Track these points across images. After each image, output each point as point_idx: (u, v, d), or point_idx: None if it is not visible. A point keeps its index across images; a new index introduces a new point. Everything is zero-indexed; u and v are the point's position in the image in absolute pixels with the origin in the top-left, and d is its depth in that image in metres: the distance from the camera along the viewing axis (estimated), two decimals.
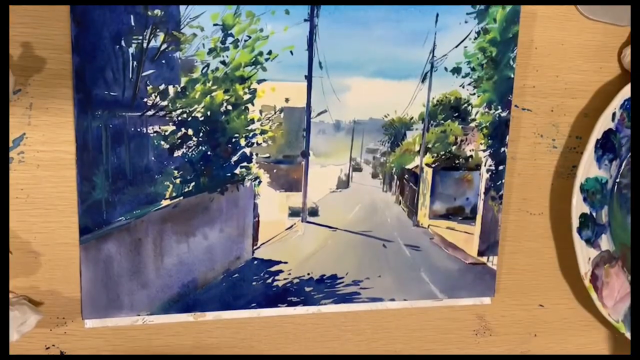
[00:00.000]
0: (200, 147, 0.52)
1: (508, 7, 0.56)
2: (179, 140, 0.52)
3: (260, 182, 0.55)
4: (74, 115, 0.49)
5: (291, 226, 0.56)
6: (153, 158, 0.51)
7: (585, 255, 0.60)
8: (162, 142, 0.51)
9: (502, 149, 0.60)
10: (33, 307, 0.49)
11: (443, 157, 0.59)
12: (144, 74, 0.50)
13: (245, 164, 0.54)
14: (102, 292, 0.52)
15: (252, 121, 0.53)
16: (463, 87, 0.57)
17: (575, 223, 0.59)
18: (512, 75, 0.58)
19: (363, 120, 0.56)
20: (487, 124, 0.59)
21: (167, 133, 0.51)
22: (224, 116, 0.52)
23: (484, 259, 0.61)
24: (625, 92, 0.59)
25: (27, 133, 0.49)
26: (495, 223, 0.61)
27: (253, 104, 0.53)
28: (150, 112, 0.51)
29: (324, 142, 0.55)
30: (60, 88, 0.49)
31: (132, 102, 0.50)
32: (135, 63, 0.49)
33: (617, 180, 0.62)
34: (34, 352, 0.52)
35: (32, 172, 0.50)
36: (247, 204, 0.55)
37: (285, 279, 0.57)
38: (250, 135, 0.53)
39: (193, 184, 0.53)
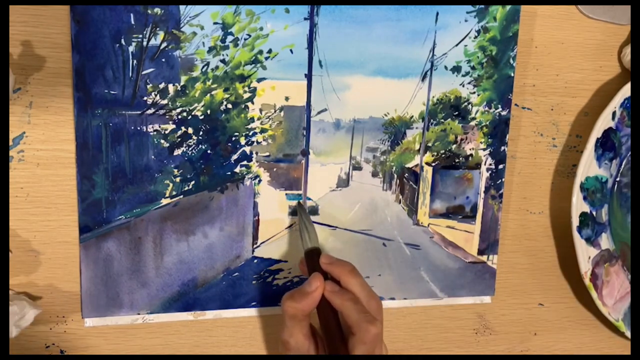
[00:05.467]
0: (200, 146, 0.52)
1: (508, 6, 0.56)
2: (179, 139, 0.52)
3: (260, 180, 0.55)
4: (73, 113, 0.49)
5: (291, 225, 0.56)
6: (153, 157, 0.51)
7: (585, 254, 0.60)
8: (162, 141, 0.51)
9: (502, 148, 0.60)
10: (31, 302, 0.49)
11: (443, 155, 0.59)
12: (143, 72, 0.50)
13: (245, 162, 0.54)
14: (102, 291, 0.52)
15: (252, 120, 0.53)
16: (463, 86, 0.57)
17: (575, 222, 0.59)
18: (512, 74, 0.58)
19: (363, 118, 0.56)
20: (487, 123, 0.59)
21: (167, 132, 0.51)
22: (223, 115, 0.52)
23: (484, 258, 0.61)
24: (625, 91, 0.59)
25: (27, 132, 0.49)
26: (495, 222, 0.61)
27: (253, 103, 0.53)
28: (150, 111, 0.51)
29: (324, 140, 0.55)
30: (60, 87, 0.49)
31: (132, 101, 0.50)
32: (135, 62, 0.49)
33: (617, 179, 0.62)
34: (33, 351, 0.52)
35: (32, 170, 0.50)
36: (247, 203, 0.55)
37: (285, 277, 0.57)
38: (250, 133, 0.53)
39: (193, 182, 0.53)
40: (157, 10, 0.49)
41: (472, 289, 0.61)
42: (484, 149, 0.59)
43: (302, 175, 0.56)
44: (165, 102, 0.51)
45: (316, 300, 0.48)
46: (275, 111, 0.54)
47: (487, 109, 0.59)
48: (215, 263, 0.55)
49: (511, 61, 0.58)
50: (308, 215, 0.54)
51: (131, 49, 0.49)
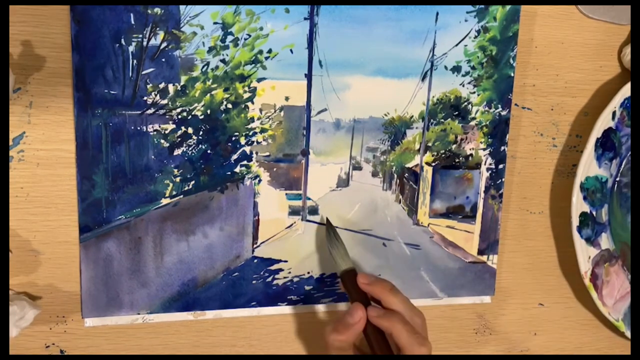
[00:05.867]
0: (200, 146, 0.52)
1: (508, 6, 0.56)
2: (179, 139, 0.52)
3: (260, 180, 0.55)
4: (73, 113, 0.49)
5: (291, 225, 0.56)
6: (153, 156, 0.51)
7: (585, 254, 0.60)
8: (162, 141, 0.51)
9: (502, 148, 0.60)
10: (31, 302, 0.49)
11: (443, 155, 0.59)
12: (143, 72, 0.50)
13: (245, 162, 0.54)
14: (102, 291, 0.52)
15: (252, 120, 0.53)
16: (463, 86, 0.57)
17: (575, 222, 0.59)
18: (512, 74, 0.58)
19: (363, 118, 0.56)
20: (487, 123, 0.59)
21: (167, 131, 0.51)
22: (223, 115, 0.52)
23: (484, 258, 0.61)
24: (625, 90, 0.59)
25: (27, 131, 0.49)
26: (495, 222, 0.61)
27: (253, 103, 0.53)
28: (150, 111, 0.51)
29: (324, 140, 0.55)
30: (60, 86, 0.49)
31: (132, 101, 0.50)
32: (135, 61, 0.49)
33: (617, 179, 0.62)
34: (33, 351, 0.52)
35: (32, 170, 0.50)
36: (247, 203, 0.55)
37: (285, 277, 0.57)
38: (250, 133, 0.53)
39: (193, 182, 0.53)
40: (157, 10, 0.49)
41: (472, 289, 0.61)
42: (484, 149, 0.59)
43: (302, 175, 0.56)
44: (165, 102, 0.51)
45: (359, 330, 0.48)
46: (275, 111, 0.54)
47: (487, 109, 0.59)
48: (215, 263, 0.55)
49: (511, 61, 0.58)
50: (337, 233, 0.54)
51: (131, 49, 0.49)
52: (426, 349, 0.47)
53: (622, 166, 0.62)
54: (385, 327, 0.48)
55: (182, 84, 0.51)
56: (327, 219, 0.55)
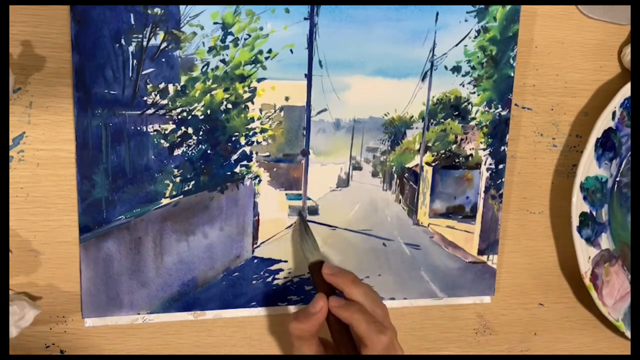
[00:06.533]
0: (200, 146, 0.52)
1: (508, 6, 0.56)
2: (179, 139, 0.52)
3: (260, 180, 0.55)
4: (73, 113, 0.49)
5: (291, 225, 0.56)
6: (153, 157, 0.51)
7: (585, 254, 0.60)
8: (162, 141, 0.51)
9: (502, 148, 0.60)
10: (31, 302, 0.49)
11: (443, 155, 0.59)
12: (143, 72, 0.50)
13: (245, 162, 0.54)
14: (102, 291, 0.52)
15: (252, 120, 0.53)
16: (463, 86, 0.57)
17: (575, 222, 0.59)
18: (512, 74, 0.58)
19: (363, 118, 0.56)
20: (487, 123, 0.59)
21: (167, 132, 0.51)
22: (223, 115, 0.52)
23: (484, 258, 0.61)
24: (625, 91, 0.59)
25: (27, 132, 0.49)
26: (495, 222, 0.61)
27: (253, 103, 0.53)
28: (150, 111, 0.51)
29: (324, 140, 0.55)
30: (60, 86, 0.49)
31: (132, 101, 0.50)
32: (135, 61, 0.49)
33: (617, 179, 0.62)
34: (33, 351, 0.52)
35: (32, 170, 0.50)
36: (247, 203, 0.55)
37: (285, 277, 0.57)
38: (250, 133, 0.53)
39: (193, 182, 0.53)
40: (157, 10, 0.49)
41: (472, 289, 0.61)
42: (484, 149, 0.59)
43: (302, 175, 0.56)
44: (165, 102, 0.51)
45: (320, 320, 0.49)
46: (275, 111, 0.54)
47: (487, 109, 0.59)
48: (215, 263, 0.55)
49: (511, 61, 0.58)
50: (308, 226, 0.55)
51: (131, 49, 0.49)
52: (386, 338, 0.47)
53: (622, 166, 0.62)
54: (344, 317, 0.48)
55: (182, 84, 0.51)
56: (299, 212, 0.56)
